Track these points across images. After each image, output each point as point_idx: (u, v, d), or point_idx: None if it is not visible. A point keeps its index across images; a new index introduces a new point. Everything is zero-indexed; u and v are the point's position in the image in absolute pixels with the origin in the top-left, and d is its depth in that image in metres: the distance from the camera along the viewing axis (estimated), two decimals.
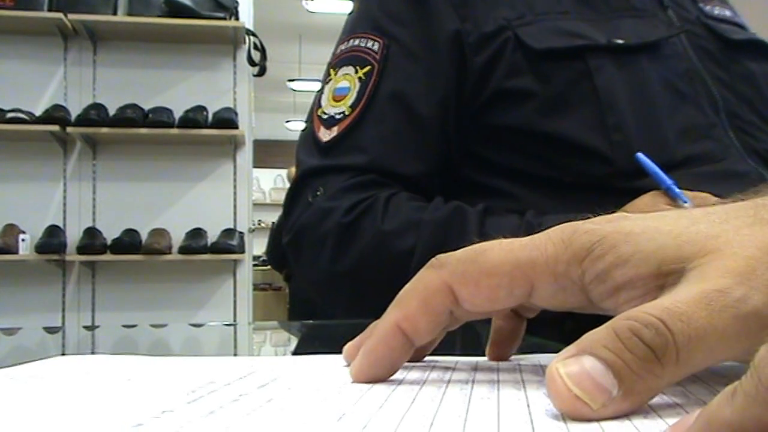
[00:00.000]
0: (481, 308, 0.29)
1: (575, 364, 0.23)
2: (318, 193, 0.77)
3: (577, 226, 0.28)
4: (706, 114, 0.79)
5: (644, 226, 0.27)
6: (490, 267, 0.28)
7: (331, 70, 0.83)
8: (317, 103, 0.83)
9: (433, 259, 0.29)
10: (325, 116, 0.80)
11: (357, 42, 0.82)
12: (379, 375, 0.29)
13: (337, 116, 0.79)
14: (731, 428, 0.16)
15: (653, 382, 0.22)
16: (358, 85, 0.79)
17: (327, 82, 0.83)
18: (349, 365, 0.31)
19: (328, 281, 0.76)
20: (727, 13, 0.91)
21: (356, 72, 0.80)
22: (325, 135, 0.79)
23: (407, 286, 0.30)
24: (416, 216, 0.71)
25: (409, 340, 0.29)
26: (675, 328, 0.22)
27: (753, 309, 0.23)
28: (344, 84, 0.81)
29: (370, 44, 0.81)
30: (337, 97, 0.80)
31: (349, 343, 0.33)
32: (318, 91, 0.85)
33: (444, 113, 0.79)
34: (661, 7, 0.85)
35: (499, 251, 0.28)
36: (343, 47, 0.84)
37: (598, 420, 0.22)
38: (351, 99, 0.79)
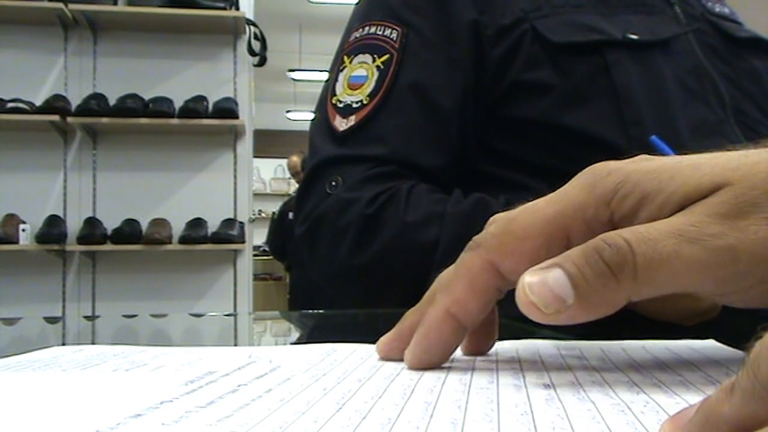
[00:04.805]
0: None
1: (538, 275, 0.26)
2: (335, 183, 0.75)
3: (597, 169, 0.30)
4: (714, 111, 0.79)
5: (664, 162, 0.29)
6: (524, 232, 0.29)
7: (345, 57, 0.81)
8: (331, 91, 0.81)
9: (469, 242, 0.31)
10: (341, 105, 0.78)
11: (373, 29, 0.80)
12: (434, 361, 0.30)
13: (355, 105, 0.78)
14: (729, 424, 0.16)
15: (608, 296, 0.26)
16: (376, 73, 0.78)
17: (341, 70, 0.81)
18: (383, 357, 0.32)
19: (345, 273, 0.75)
20: (726, 10, 0.91)
21: (374, 60, 0.79)
22: (342, 124, 0.77)
23: (450, 272, 0.31)
24: (439, 208, 0.70)
25: (461, 325, 0.30)
26: (638, 250, 0.25)
27: (726, 244, 0.25)
28: (361, 72, 0.79)
29: (387, 32, 0.79)
30: (354, 86, 0.79)
31: (385, 337, 0.33)
32: (329, 80, 0.83)
33: (462, 105, 0.78)
34: (668, 3, 0.85)
35: (528, 214, 0.30)
36: (357, 34, 0.82)
37: (553, 324, 0.26)
38: (369, 88, 0.77)
